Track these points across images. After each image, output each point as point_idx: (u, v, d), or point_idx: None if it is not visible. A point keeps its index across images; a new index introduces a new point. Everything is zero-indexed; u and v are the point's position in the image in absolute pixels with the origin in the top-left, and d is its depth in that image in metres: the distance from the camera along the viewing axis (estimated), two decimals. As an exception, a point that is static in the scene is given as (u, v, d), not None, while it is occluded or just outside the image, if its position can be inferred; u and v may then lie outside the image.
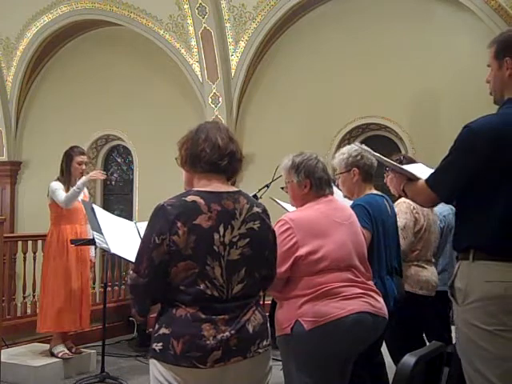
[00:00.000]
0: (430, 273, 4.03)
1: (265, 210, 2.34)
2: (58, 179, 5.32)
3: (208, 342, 2.10)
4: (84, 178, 5.22)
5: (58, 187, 5.24)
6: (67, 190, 5.23)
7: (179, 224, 2.11)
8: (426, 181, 2.47)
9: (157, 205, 2.19)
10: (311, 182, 2.94)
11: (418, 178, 2.54)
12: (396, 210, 3.89)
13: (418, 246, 3.99)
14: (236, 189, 2.31)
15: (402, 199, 3.93)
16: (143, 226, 3.42)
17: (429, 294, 4.00)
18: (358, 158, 3.47)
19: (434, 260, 4.19)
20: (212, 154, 2.24)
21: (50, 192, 5.26)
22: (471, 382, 2.38)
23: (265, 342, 2.25)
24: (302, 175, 2.95)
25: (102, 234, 4.65)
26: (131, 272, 2.20)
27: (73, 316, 5.20)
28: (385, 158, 2.74)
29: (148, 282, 2.15)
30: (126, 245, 4.53)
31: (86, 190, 5.55)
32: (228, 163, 2.26)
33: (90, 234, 5.41)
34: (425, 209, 3.93)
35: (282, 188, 3.36)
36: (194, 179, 2.29)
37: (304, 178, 2.95)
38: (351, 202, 3.45)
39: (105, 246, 4.65)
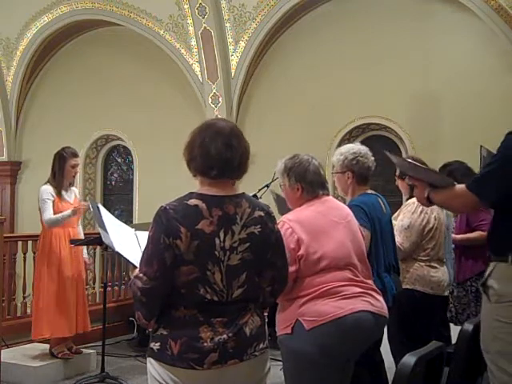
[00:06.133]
0: (441, 273, 4.01)
1: (269, 213, 2.29)
2: (49, 182, 5.13)
3: (205, 344, 2.11)
4: (70, 212, 5.00)
5: (46, 197, 5.02)
6: (59, 193, 5.09)
7: (182, 228, 2.10)
8: (468, 186, 2.48)
9: (159, 207, 2.16)
10: (302, 186, 2.95)
11: (450, 184, 2.54)
12: (404, 209, 3.88)
13: (430, 245, 3.97)
14: (239, 192, 2.27)
15: (412, 200, 3.90)
16: (142, 235, 3.42)
17: (440, 294, 4.01)
18: (354, 162, 3.48)
19: (445, 260, 4.17)
20: (201, 163, 2.21)
21: (40, 199, 5.06)
22: (495, 380, 2.40)
23: (261, 345, 2.25)
24: (292, 179, 2.97)
25: (106, 231, 4.63)
26: (141, 275, 2.15)
27: (68, 321, 5.09)
28: (410, 162, 2.71)
29: (160, 285, 2.13)
30: (128, 247, 4.53)
31: (77, 190, 5.44)
32: (220, 172, 2.20)
33: (83, 235, 5.40)
34: (435, 209, 3.91)
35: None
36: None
37: (295, 182, 2.96)
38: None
39: (109, 242, 4.61)
